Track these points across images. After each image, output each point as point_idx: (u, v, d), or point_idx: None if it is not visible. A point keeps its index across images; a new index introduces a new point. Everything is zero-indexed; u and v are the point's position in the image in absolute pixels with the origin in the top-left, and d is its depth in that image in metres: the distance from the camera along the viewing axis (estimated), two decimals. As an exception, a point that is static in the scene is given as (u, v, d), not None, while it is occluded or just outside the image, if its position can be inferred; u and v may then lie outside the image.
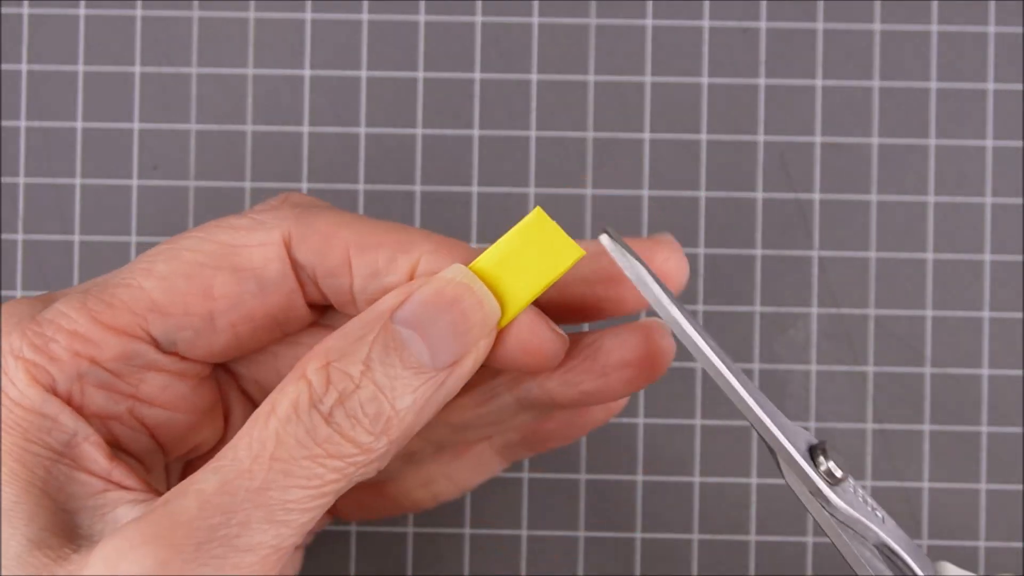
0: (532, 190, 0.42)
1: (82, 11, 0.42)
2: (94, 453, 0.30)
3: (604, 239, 0.29)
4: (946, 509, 0.41)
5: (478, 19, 0.42)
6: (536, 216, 0.30)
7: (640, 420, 0.41)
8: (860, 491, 0.31)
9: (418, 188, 0.42)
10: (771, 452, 0.30)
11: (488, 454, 0.37)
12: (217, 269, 0.31)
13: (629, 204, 0.42)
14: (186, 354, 0.32)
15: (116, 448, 0.32)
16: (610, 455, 0.41)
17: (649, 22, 0.42)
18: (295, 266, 0.31)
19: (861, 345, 0.41)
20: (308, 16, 0.42)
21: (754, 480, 0.41)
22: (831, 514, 0.30)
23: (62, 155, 0.42)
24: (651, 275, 0.29)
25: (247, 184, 0.42)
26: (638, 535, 0.41)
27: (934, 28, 0.42)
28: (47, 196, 0.42)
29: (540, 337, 0.31)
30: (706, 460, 0.41)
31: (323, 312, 0.33)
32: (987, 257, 0.41)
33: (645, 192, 0.42)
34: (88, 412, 0.31)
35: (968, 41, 0.42)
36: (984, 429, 0.41)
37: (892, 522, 0.31)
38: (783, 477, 0.30)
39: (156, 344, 0.31)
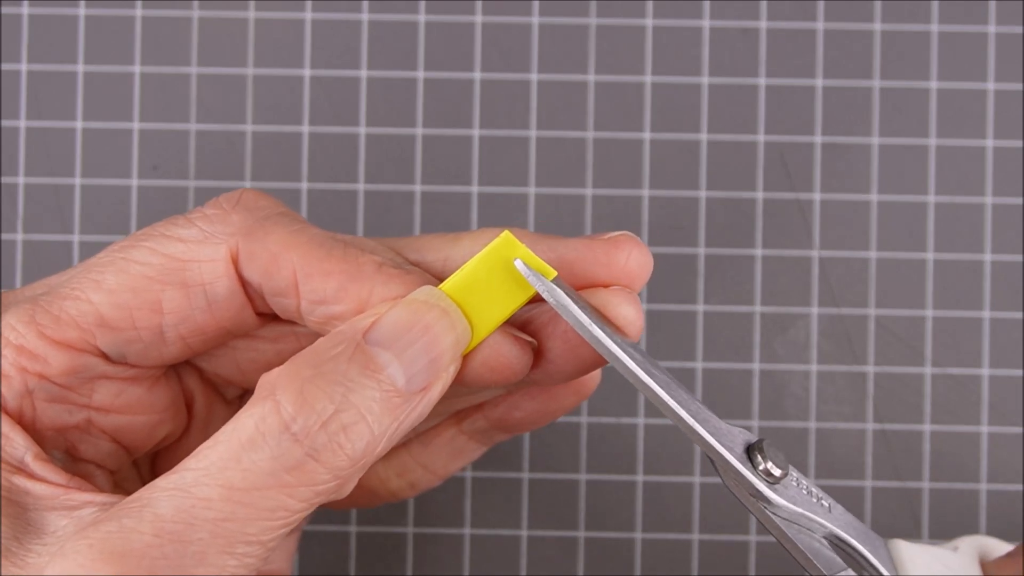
0: (532, 190, 0.42)
1: (82, 11, 0.42)
2: (48, 469, 0.29)
3: (520, 266, 0.29)
4: (946, 509, 0.41)
5: (478, 19, 0.42)
6: (504, 239, 0.29)
7: (640, 420, 0.41)
8: (804, 482, 0.30)
9: (418, 188, 0.42)
10: (709, 459, 0.30)
11: (461, 440, 0.36)
12: (166, 284, 0.30)
13: (629, 204, 0.42)
14: (136, 364, 0.31)
15: (76, 458, 0.31)
16: (610, 456, 0.41)
17: (649, 22, 0.42)
18: (243, 282, 0.30)
19: (861, 345, 0.41)
20: (308, 16, 0.42)
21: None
22: (774, 514, 0.30)
23: (62, 155, 0.42)
24: (568, 295, 0.29)
25: (247, 184, 0.42)
26: (638, 535, 0.41)
27: (934, 28, 0.42)
28: (47, 196, 0.42)
29: (506, 356, 0.29)
30: (706, 461, 0.41)
31: (275, 318, 0.32)
32: (987, 257, 0.41)
33: (645, 192, 0.42)
34: (42, 426, 0.30)
35: (968, 41, 0.42)
36: (984, 429, 0.41)
37: (840, 508, 0.31)
38: (722, 482, 0.30)
39: (105, 356, 0.31)
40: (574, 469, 0.41)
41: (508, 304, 0.29)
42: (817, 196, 0.42)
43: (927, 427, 0.41)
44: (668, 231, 0.42)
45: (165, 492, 0.27)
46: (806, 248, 0.42)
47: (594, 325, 0.28)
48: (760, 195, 0.42)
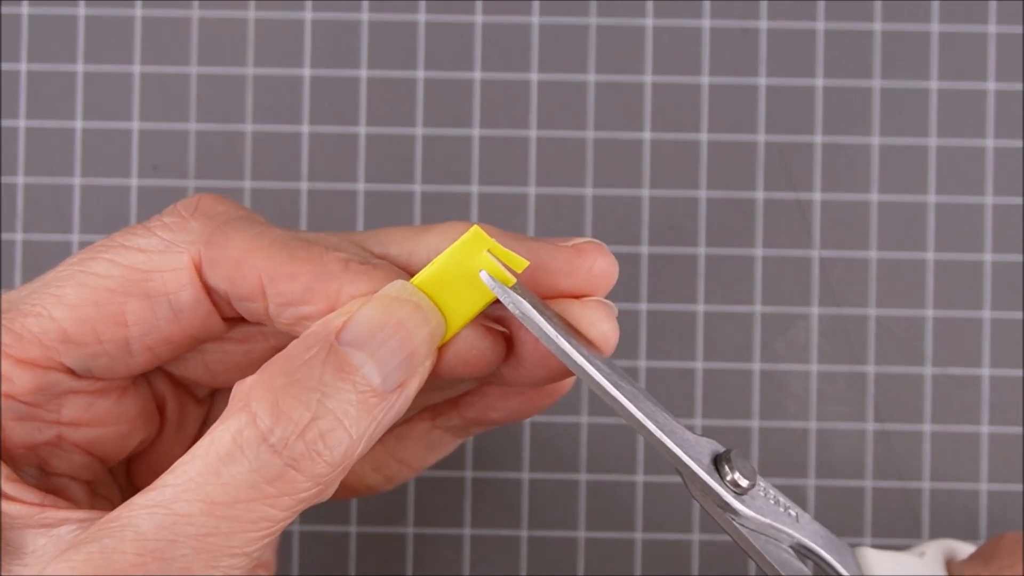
0: (532, 190, 0.42)
1: (82, 11, 0.42)
2: (21, 488, 0.29)
3: (484, 276, 0.28)
4: (946, 509, 0.41)
5: (478, 19, 0.42)
6: (474, 234, 0.29)
7: (640, 420, 0.41)
8: (771, 492, 0.30)
9: (418, 188, 0.42)
10: (677, 470, 0.29)
11: (437, 434, 0.35)
12: (128, 296, 0.30)
13: (629, 204, 0.42)
14: (103, 376, 0.31)
15: (49, 473, 0.31)
16: (610, 456, 0.41)
17: (649, 22, 0.42)
18: (208, 289, 0.30)
19: (861, 345, 0.41)
20: (308, 16, 0.42)
21: (754, 480, 0.41)
22: (741, 524, 0.30)
23: (62, 155, 0.42)
24: (535, 305, 0.28)
25: (247, 184, 0.42)
26: (638, 535, 0.41)
27: (934, 28, 0.42)
28: (47, 196, 0.42)
29: (478, 348, 0.29)
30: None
31: (242, 319, 0.32)
32: (987, 257, 0.41)
33: (645, 192, 0.42)
34: (12, 445, 0.30)
35: (968, 41, 0.42)
36: (984, 429, 0.41)
37: (807, 517, 0.31)
38: (690, 493, 0.30)
39: (71, 372, 0.30)
40: (574, 469, 0.41)
41: (481, 297, 0.29)
42: (817, 196, 0.42)
43: (927, 427, 0.41)
44: (668, 231, 0.42)
45: (145, 510, 0.27)
46: (806, 248, 0.42)
47: (560, 337, 0.28)
48: (760, 195, 0.42)
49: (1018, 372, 0.41)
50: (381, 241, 0.31)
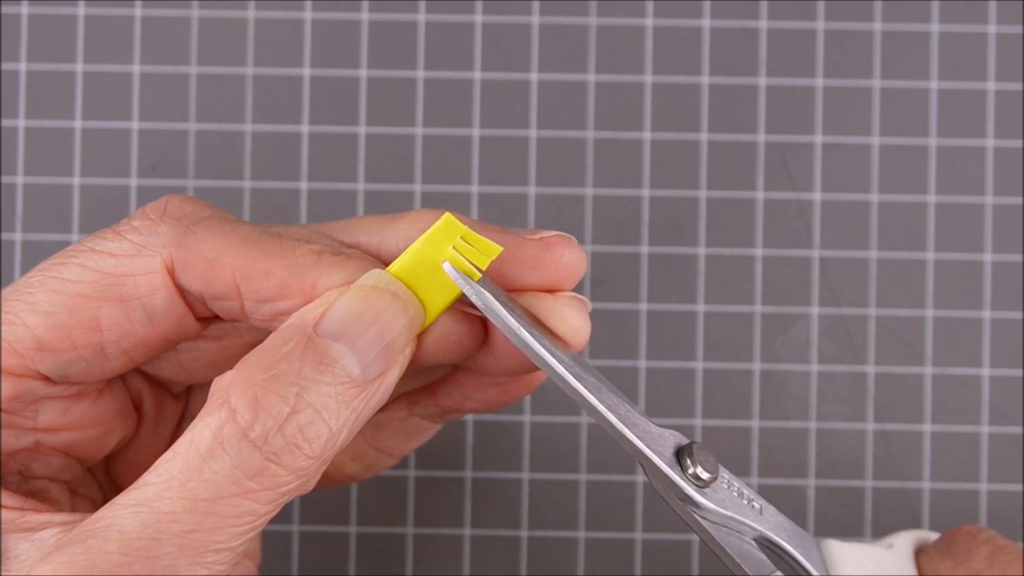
0: (532, 190, 0.42)
1: (81, 11, 0.42)
2: (1, 494, 0.29)
3: (448, 268, 0.28)
4: (946, 509, 0.41)
5: (478, 19, 0.42)
6: (446, 220, 0.29)
7: (640, 420, 0.41)
8: (735, 484, 0.30)
9: (418, 188, 0.42)
10: (639, 463, 0.29)
11: (414, 421, 0.35)
12: (102, 301, 0.29)
13: (629, 204, 0.42)
14: (79, 381, 0.31)
15: (29, 477, 0.31)
16: (610, 456, 0.41)
17: (649, 22, 0.42)
18: (181, 291, 0.30)
19: (861, 345, 0.41)
20: (308, 16, 0.42)
21: (755, 480, 0.41)
22: (702, 517, 0.29)
23: (61, 155, 0.42)
24: (498, 298, 0.28)
25: (246, 184, 0.42)
26: (638, 535, 0.41)
27: (934, 28, 0.42)
28: (46, 196, 0.42)
29: (456, 332, 0.29)
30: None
31: (217, 318, 0.31)
32: (987, 257, 0.41)
33: (645, 192, 0.42)
34: None
35: (968, 41, 0.42)
36: (984, 429, 0.41)
37: (772, 509, 0.31)
38: (652, 487, 0.29)
39: (46, 378, 0.30)
40: (574, 469, 0.41)
41: (456, 285, 0.29)
42: (817, 196, 0.42)
43: (927, 427, 0.41)
44: (668, 231, 0.42)
45: (128, 509, 0.27)
46: (806, 248, 0.42)
47: (522, 328, 0.28)
48: (760, 195, 0.42)
49: (1018, 372, 0.41)
50: (352, 230, 0.31)
